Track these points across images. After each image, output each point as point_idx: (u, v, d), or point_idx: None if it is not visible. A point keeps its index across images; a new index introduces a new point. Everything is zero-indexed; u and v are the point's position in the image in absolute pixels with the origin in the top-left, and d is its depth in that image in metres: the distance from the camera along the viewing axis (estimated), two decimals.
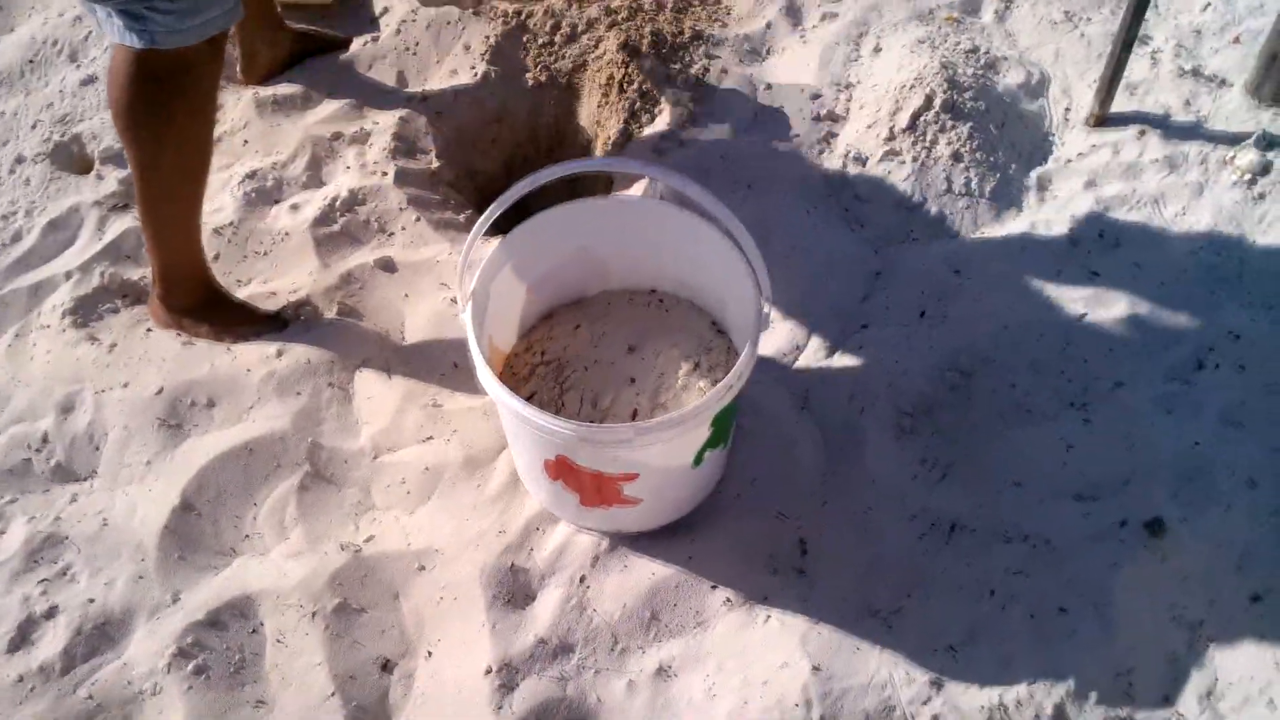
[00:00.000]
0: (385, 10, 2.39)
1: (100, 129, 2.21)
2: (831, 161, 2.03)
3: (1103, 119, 2.01)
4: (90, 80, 2.32)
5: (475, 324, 1.40)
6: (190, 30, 1.46)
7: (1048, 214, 1.90)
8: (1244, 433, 1.58)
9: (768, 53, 2.27)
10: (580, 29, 2.29)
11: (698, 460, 1.42)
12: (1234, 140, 1.95)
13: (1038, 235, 1.87)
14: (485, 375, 1.34)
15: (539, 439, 1.35)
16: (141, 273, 1.96)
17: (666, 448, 1.34)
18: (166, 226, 1.70)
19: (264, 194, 2.06)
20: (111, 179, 2.12)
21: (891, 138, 2.00)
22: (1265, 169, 1.88)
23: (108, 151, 2.16)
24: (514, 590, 1.50)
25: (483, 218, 1.34)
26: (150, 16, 1.43)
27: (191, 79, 1.53)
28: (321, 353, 1.79)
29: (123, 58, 1.50)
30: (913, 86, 2.02)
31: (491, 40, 2.28)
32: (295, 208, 2.03)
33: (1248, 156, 1.89)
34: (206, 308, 1.82)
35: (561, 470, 1.40)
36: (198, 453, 1.68)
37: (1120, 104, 2.02)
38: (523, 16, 2.30)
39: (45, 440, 1.72)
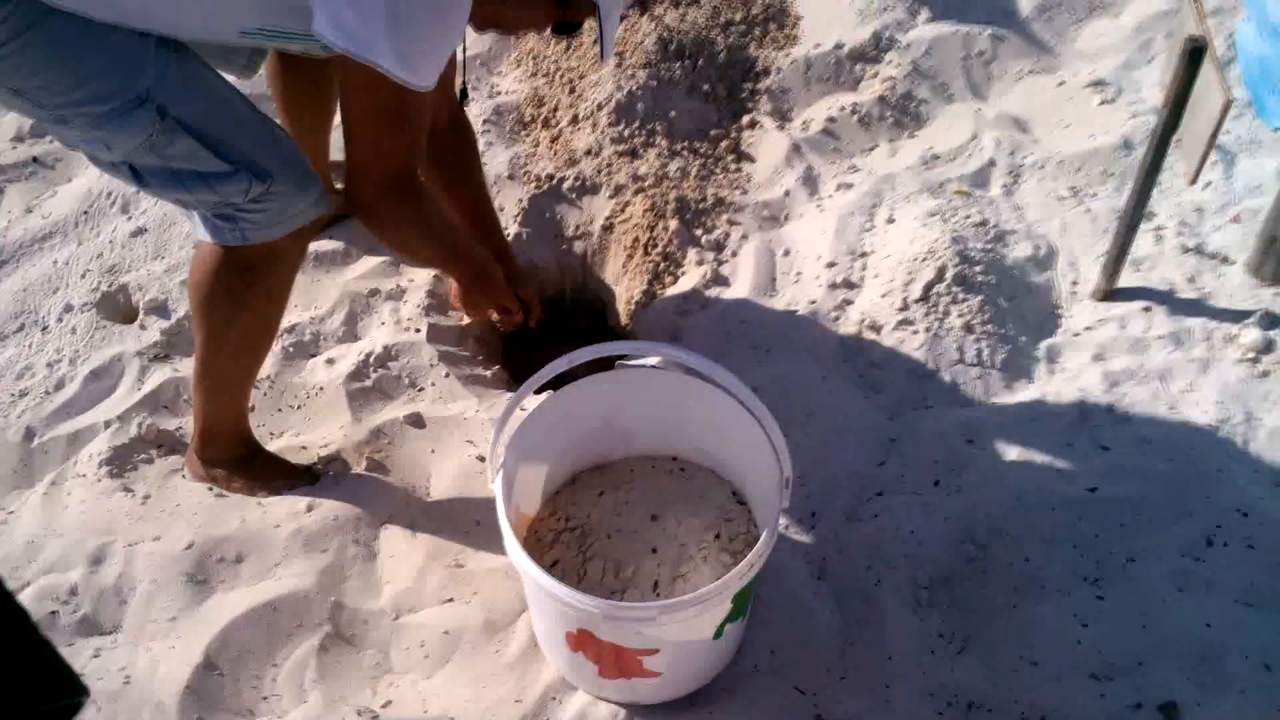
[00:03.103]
0: None
1: (146, 280, 2.31)
2: (847, 328, 2.10)
3: (1109, 293, 2.09)
4: (140, 231, 2.44)
5: (504, 496, 1.45)
6: (280, 225, 1.55)
7: (1057, 386, 1.96)
8: (1256, 614, 1.59)
9: (785, 219, 2.37)
10: (609, 193, 2.40)
11: (718, 634, 1.44)
12: (1237, 318, 2.01)
13: (1048, 407, 1.92)
14: (514, 550, 1.38)
15: (562, 612, 1.38)
16: (178, 423, 2.03)
17: (688, 624, 1.36)
18: (220, 391, 1.77)
19: (302, 348, 2.14)
20: (154, 329, 2.21)
21: (905, 307, 2.08)
22: (1269, 347, 1.94)
23: (152, 303, 2.26)
24: None
25: (515, 396, 1.40)
26: (239, 217, 1.52)
27: (276, 269, 1.62)
28: (349, 509, 1.83)
29: (210, 248, 1.58)
30: (925, 259, 2.11)
31: (524, 202, 2.40)
32: (331, 362, 2.11)
33: (1251, 335, 1.95)
34: (243, 462, 1.88)
35: (582, 641, 1.43)
36: (223, 610, 1.71)
37: (1125, 279, 2.10)
38: (555, 181, 2.43)
39: (73, 593, 1.76)
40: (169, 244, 2.41)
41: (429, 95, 1.44)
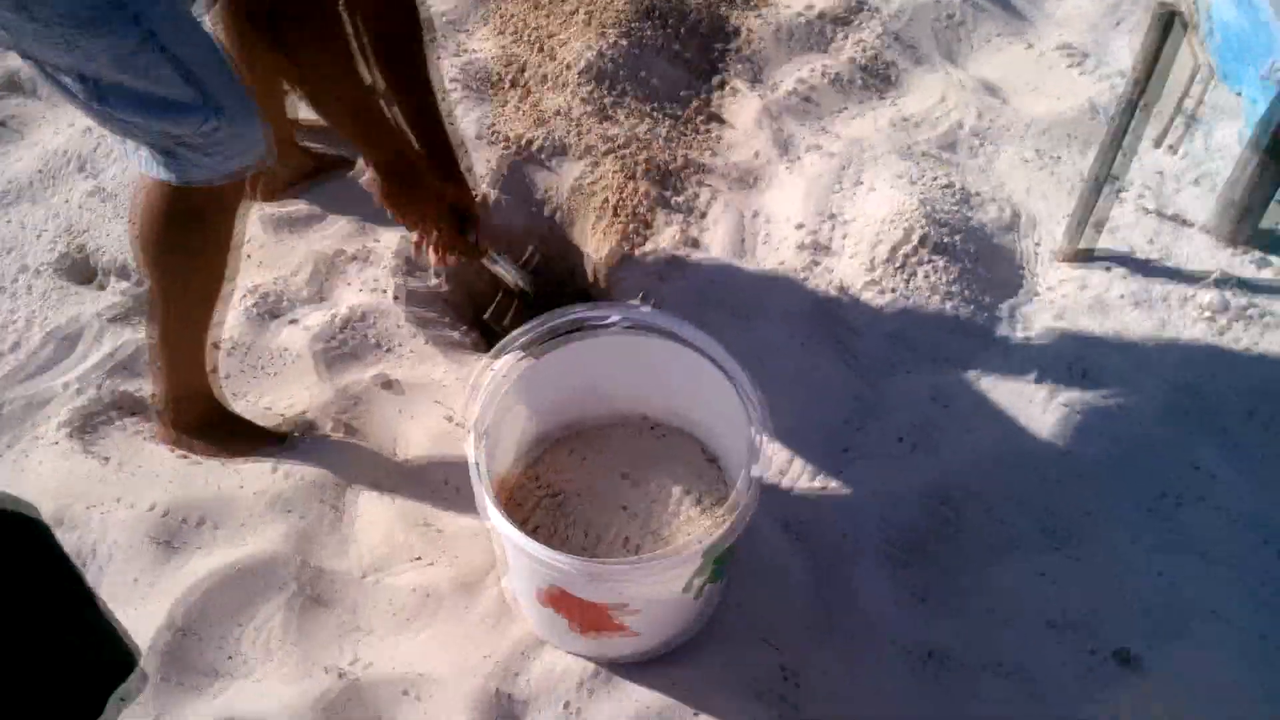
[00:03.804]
0: None
1: (106, 241, 2.27)
2: (819, 290, 2.11)
3: (1074, 255, 2.11)
4: (98, 191, 2.39)
5: (480, 458, 1.44)
6: (223, 167, 1.51)
7: (1024, 347, 1.98)
8: (1209, 566, 1.64)
9: (757, 182, 2.37)
10: (580, 155, 2.38)
11: (695, 592, 1.45)
12: (1197, 279, 2.05)
13: (1015, 368, 1.95)
14: (490, 511, 1.38)
15: (536, 570, 1.38)
16: (140, 385, 2.00)
17: (660, 580, 1.37)
18: (179, 350, 1.74)
19: (269, 310, 2.11)
20: (114, 290, 2.16)
21: (876, 270, 2.09)
22: (1226, 307, 1.98)
23: (112, 263, 2.22)
24: (501, 717, 1.51)
25: (489, 359, 1.39)
26: (182, 154, 1.48)
27: (219, 213, 1.59)
28: (320, 472, 1.82)
29: (153, 192, 1.54)
30: (895, 222, 2.12)
31: (494, 164, 2.37)
32: (298, 324, 2.08)
33: (1210, 295, 1.99)
34: (212, 426, 1.85)
35: (557, 599, 1.43)
36: (191, 573, 1.69)
37: (1091, 241, 2.12)
38: (525, 142, 2.40)
39: None
40: (129, 203, 2.36)
41: None
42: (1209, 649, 1.53)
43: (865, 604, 1.63)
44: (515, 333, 1.40)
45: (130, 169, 2.40)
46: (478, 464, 1.42)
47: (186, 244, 1.60)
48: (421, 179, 1.70)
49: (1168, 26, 1.72)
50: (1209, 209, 2.14)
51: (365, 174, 1.76)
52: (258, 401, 1.97)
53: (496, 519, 1.37)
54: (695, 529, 1.55)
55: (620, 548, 1.55)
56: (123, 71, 1.38)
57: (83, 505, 1.78)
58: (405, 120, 1.82)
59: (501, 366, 1.51)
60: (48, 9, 1.31)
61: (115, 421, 1.93)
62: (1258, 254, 2.08)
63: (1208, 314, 1.97)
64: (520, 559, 1.40)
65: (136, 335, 2.07)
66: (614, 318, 1.56)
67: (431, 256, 1.85)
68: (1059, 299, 2.06)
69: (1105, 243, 2.15)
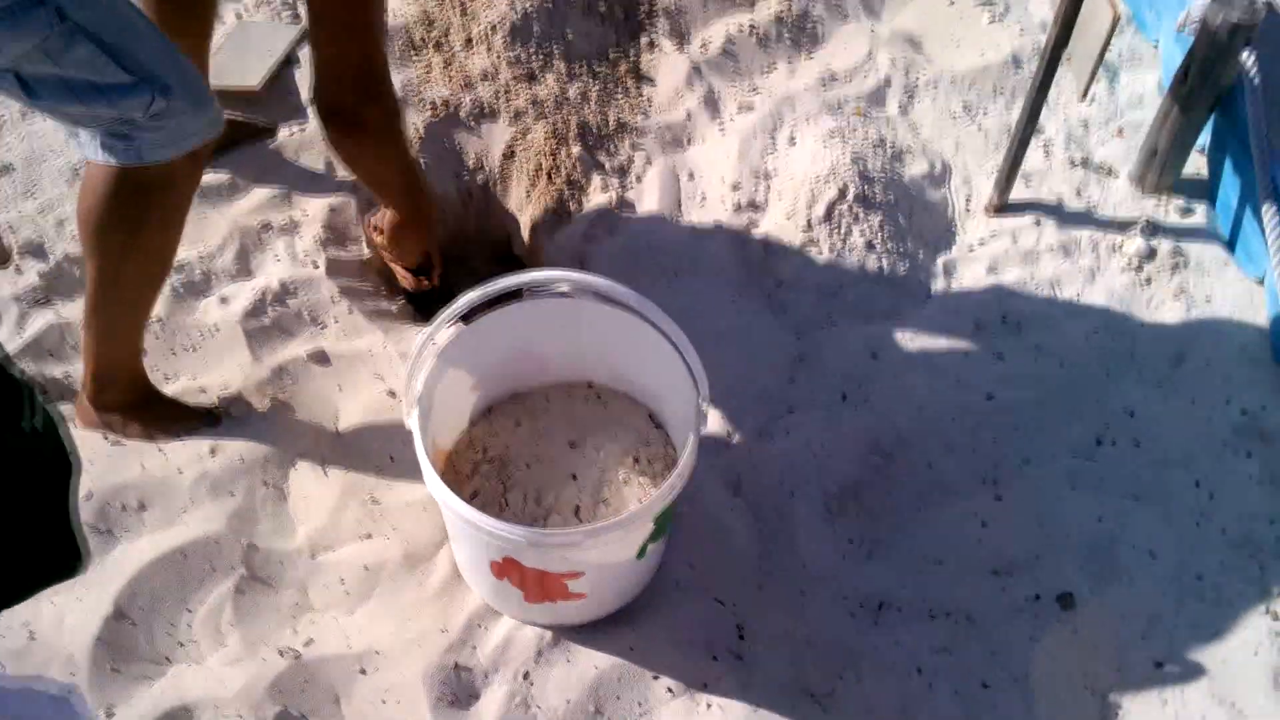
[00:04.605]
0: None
1: (18, 220, 2.18)
2: (753, 249, 2.12)
3: (1001, 207, 2.15)
4: (7, 169, 2.28)
5: (421, 430, 1.43)
6: (176, 144, 1.47)
7: (955, 299, 2.02)
8: (1143, 506, 1.70)
9: (689, 141, 2.36)
10: (508, 119, 2.35)
11: (640, 553, 1.47)
12: (1122, 227, 2.11)
13: (946, 319, 1.99)
14: (434, 483, 1.37)
15: (486, 542, 1.38)
16: (64, 370, 1.93)
17: (612, 547, 1.38)
18: (114, 330, 1.69)
19: (192, 287, 2.06)
20: (32, 272, 2.08)
21: (809, 228, 2.10)
22: (1151, 255, 2.04)
23: (28, 244, 2.13)
24: (457, 690, 1.51)
25: (427, 330, 1.38)
26: (135, 135, 1.43)
27: (172, 193, 1.54)
28: (255, 449, 1.79)
29: (101, 172, 1.49)
30: (827, 179, 2.13)
31: (421, 130, 2.33)
32: (225, 300, 2.03)
33: (1134, 243, 2.05)
34: (138, 406, 1.80)
35: (506, 569, 1.44)
36: (129, 558, 1.65)
37: (1017, 192, 2.17)
38: (451, 107, 2.36)
39: None
40: (39, 181, 2.26)
41: None
42: (1145, 589, 1.59)
43: (808, 556, 1.66)
44: (455, 302, 1.38)
45: (40, 146, 2.31)
46: (418, 435, 1.41)
47: (133, 223, 1.54)
48: (434, 228, 1.89)
49: None
50: (1132, 159, 2.19)
51: (370, 218, 2.01)
52: (191, 383, 1.92)
53: (439, 491, 1.36)
54: (641, 493, 1.56)
55: (568, 514, 1.55)
56: (47, 62, 1.33)
57: None
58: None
59: (441, 336, 1.50)
60: None
61: None
62: (1180, 202, 2.14)
63: (1134, 262, 2.03)
64: (466, 530, 1.39)
65: (59, 319, 2.00)
66: (553, 283, 1.55)
67: (408, 280, 2.07)
68: (988, 251, 2.10)
69: (1033, 194, 2.19)
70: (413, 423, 1.44)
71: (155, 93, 1.40)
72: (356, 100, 1.50)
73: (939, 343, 1.95)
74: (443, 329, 1.41)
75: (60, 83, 1.36)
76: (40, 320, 2.00)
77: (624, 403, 1.71)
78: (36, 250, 2.12)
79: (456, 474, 1.63)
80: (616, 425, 1.66)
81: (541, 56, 2.44)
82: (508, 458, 1.62)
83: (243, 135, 2.32)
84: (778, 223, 2.15)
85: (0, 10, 1.25)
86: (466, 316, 1.56)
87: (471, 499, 1.59)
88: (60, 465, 0.85)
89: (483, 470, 1.61)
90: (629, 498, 1.55)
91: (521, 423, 1.68)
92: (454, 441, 1.68)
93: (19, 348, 1.94)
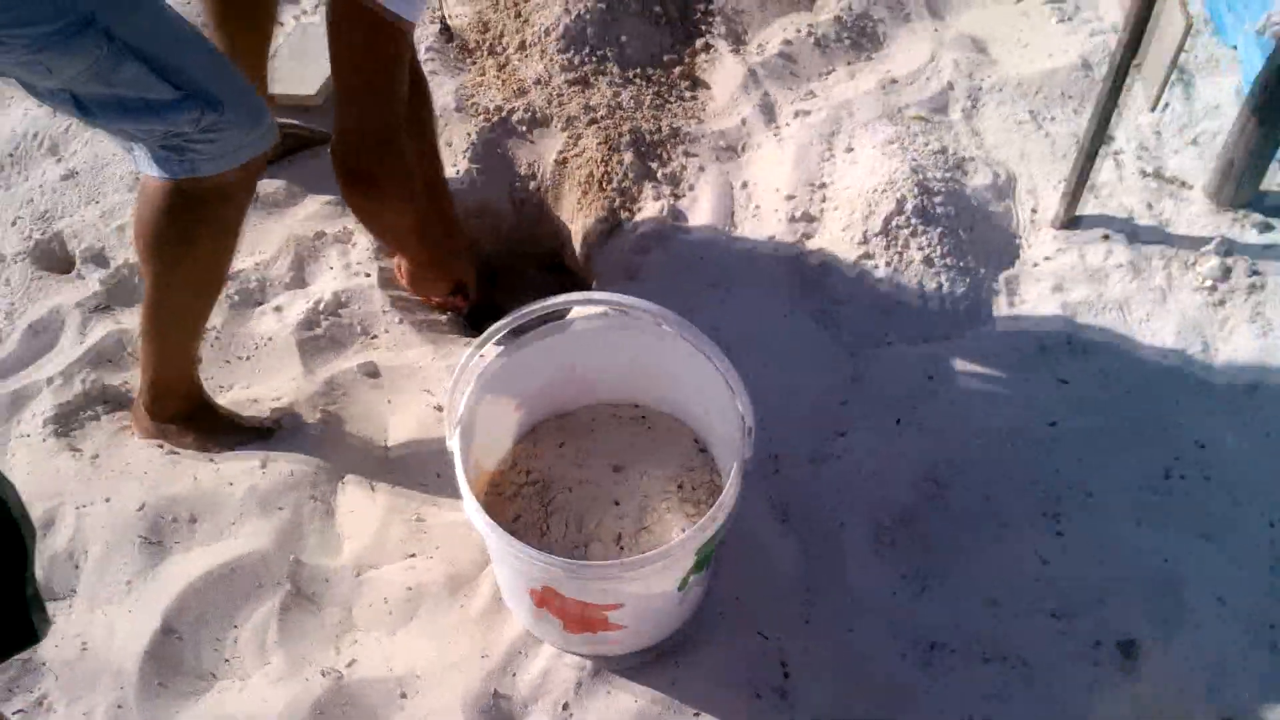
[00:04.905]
0: None
1: (81, 227, 2.22)
2: (807, 263, 2.07)
3: (1068, 222, 2.07)
4: (71, 175, 2.33)
5: (463, 453, 1.42)
6: (230, 157, 1.48)
7: (1017, 319, 1.95)
8: (1212, 546, 1.62)
9: (743, 149, 2.32)
10: (561, 126, 2.32)
11: (681, 586, 1.44)
12: (1196, 244, 2.01)
13: (1008, 340, 1.92)
14: (474, 511, 1.36)
15: (524, 570, 1.37)
16: (123, 378, 1.96)
17: (651, 579, 1.36)
18: (169, 341, 1.71)
19: (248, 296, 2.08)
20: (93, 279, 2.12)
21: (865, 241, 2.05)
22: (1226, 274, 1.94)
23: (89, 251, 2.17)
24: (496, 718, 1.50)
25: (470, 350, 1.36)
26: (188, 149, 1.44)
27: (226, 205, 1.55)
28: (305, 464, 1.80)
29: (156, 185, 1.51)
30: (884, 190, 2.07)
31: (473, 137, 2.32)
32: (279, 310, 2.05)
33: (1209, 263, 1.95)
34: (193, 417, 1.82)
35: (546, 598, 1.42)
36: (179, 573, 1.68)
37: (1085, 206, 2.08)
38: (504, 114, 2.34)
39: None
40: (103, 187, 2.31)
41: (412, 40, 1.39)
42: (1212, 637, 1.51)
43: (857, 590, 1.61)
44: (500, 322, 1.37)
45: (103, 152, 2.35)
46: (458, 460, 1.40)
47: (189, 235, 1.56)
48: (454, 266, 1.91)
49: None
50: (1208, 171, 2.09)
51: (397, 259, 2.03)
52: (244, 393, 1.94)
53: (478, 519, 1.35)
54: (684, 522, 1.53)
55: (609, 542, 1.53)
56: (99, 82, 1.34)
57: (71, 506, 1.76)
58: None
59: (485, 356, 1.49)
60: (12, 37, 1.27)
61: (99, 417, 1.91)
62: (1258, 218, 2.03)
63: (1208, 283, 1.94)
64: (506, 558, 1.38)
65: (119, 326, 2.04)
66: (595, 305, 1.52)
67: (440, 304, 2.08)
68: (1054, 268, 2.02)
69: (1101, 208, 2.10)
70: (454, 445, 1.43)
71: (205, 107, 1.41)
72: (373, 161, 1.51)
73: (999, 365, 1.89)
74: (484, 350, 1.39)
75: (113, 101, 1.37)
76: (101, 328, 2.04)
77: (670, 425, 1.68)
78: (98, 257, 2.16)
79: (499, 496, 1.62)
80: (662, 450, 1.63)
81: (595, 61, 2.41)
82: (550, 480, 1.61)
83: (299, 144, 2.33)
84: (833, 236, 2.09)
85: (50, 34, 1.26)
86: (510, 335, 1.55)
87: (514, 522, 1.57)
88: (10, 541, 0.82)
89: (525, 493, 1.60)
90: (671, 526, 1.52)
91: (565, 444, 1.66)
92: (498, 461, 1.67)
93: (80, 355, 1.98)
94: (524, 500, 1.59)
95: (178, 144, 1.44)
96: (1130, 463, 1.73)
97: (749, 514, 1.70)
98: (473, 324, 2.09)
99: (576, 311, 1.80)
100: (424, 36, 2.47)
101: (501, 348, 1.58)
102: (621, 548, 1.52)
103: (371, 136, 1.48)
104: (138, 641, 1.60)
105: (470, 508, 1.37)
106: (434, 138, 1.97)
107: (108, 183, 2.31)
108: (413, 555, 1.70)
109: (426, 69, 2.39)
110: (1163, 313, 1.92)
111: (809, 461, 1.78)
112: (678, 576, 1.40)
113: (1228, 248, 1.98)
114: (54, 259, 2.21)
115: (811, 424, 1.84)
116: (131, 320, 2.04)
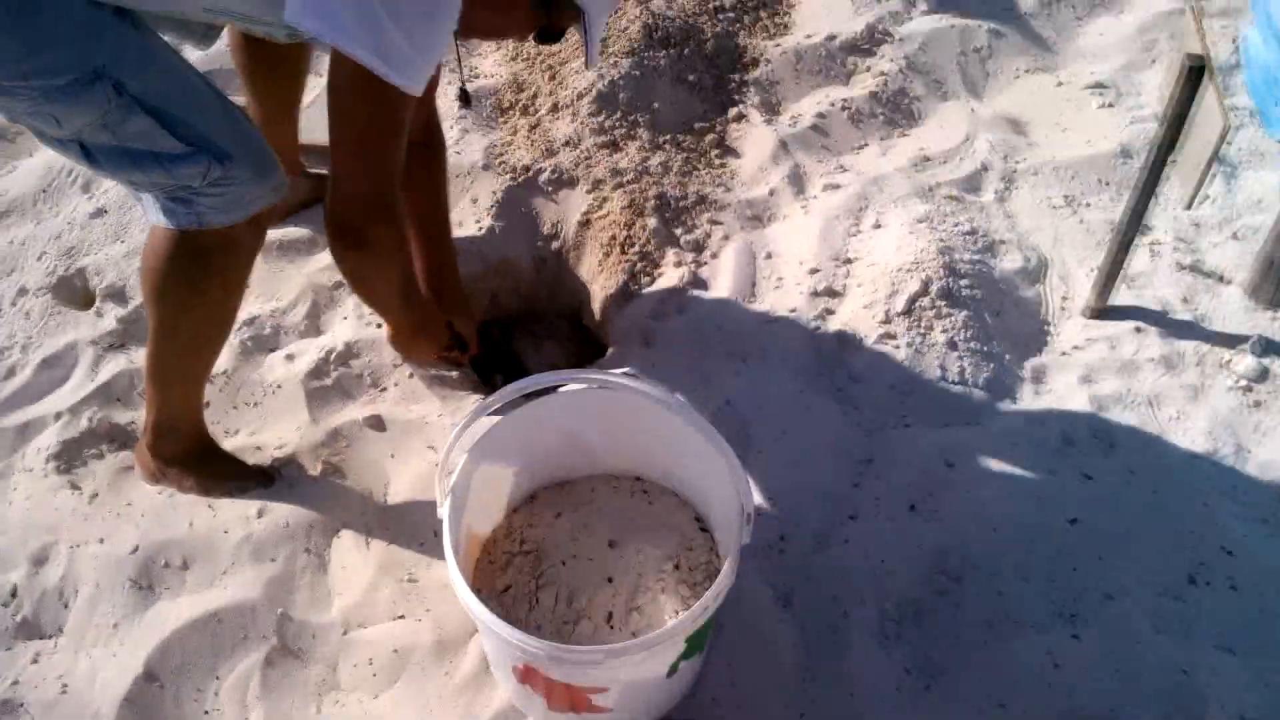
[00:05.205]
0: None
1: (105, 264, 2.23)
2: (827, 339, 2.03)
3: (1100, 311, 2.01)
4: (100, 212, 2.36)
5: (454, 521, 1.38)
6: (238, 209, 1.48)
7: (1042, 408, 1.89)
8: (1235, 661, 1.53)
9: (770, 219, 2.29)
10: (587, 187, 2.32)
11: (671, 671, 1.38)
12: (1232, 341, 1.94)
13: (1031, 430, 1.86)
14: (459, 587, 1.31)
15: (508, 648, 1.32)
16: (131, 416, 1.96)
17: (638, 665, 1.30)
18: (172, 383, 1.70)
19: (261, 341, 2.07)
20: (111, 317, 2.13)
21: (888, 320, 2.00)
22: (1262, 375, 1.87)
23: (110, 288, 2.18)
24: None
25: (466, 420, 1.33)
26: (195, 200, 1.44)
27: (233, 256, 1.55)
28: (301, 515, 1.77)
29: (163, 234, 1.51)
30: (910, 270, 2.03)
31: (498, 195, 2.31)
32: (291, 358, 2.04)
33: (1245, 362, 1.88)
34: (195, 459, 1.81)
35: (528, 676, 1.37)
36: (166, 618, 1.65)
37: (1118, 296, 2.02)
38: (531, 173, 2.34)
39: (14, 594, 1.70)
40: (130, 226, 2.33)
41: (413, 106, 1.38)
42: None
43: (859, 684, 1.54)
44: (495, 395, 1.34)
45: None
46: (447, 531, 1.36)
47: (198, 286, 1.56)
48: (438, 335, 1.87)
49: (1196, 79, 1.62)
50: (1247, 266, 2.03)
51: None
52: (249, 439, 1.92)
53: (462, 593, 1.30)
54: (678, 604, 1.47)
55: (599, 620, 1.47)
56: (106, 134, 1.35)
57: (66, 544, 1.74)
58: (416, 242, 1.94)
59: (479, 424, 1.45)
60: (21, 88, 1.28)
61: (103, 455, 1.90)
62: None
63: (1243, 382, 1.87)
64: (489, 632, 1.33)
65: (132, 365, 2.04)
66: (593, 382, 1.48)
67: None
68: (1083, 358, 1.96)
69: (1135, 298, 2.04)
70: (443, 513, 1.39)
71: (213, 161, 1.41)
72: (365, 221, 1.49)
73: (1021, 456, 1.82)
74: (479, 419, 1.36)
75: (120, 151, 1.37)
76: (114, 365, 2.04)
77: (670, 502, 1.63)
78: (117, 295, 2.17)
79: (491, 564, 1.57)
80: (660, 526, 1.58)
81: (626, 125, 2.41)
82: (544, 551, 1.56)
83: (325, 192, 2.33)
84: (855, 312, 2.05)
85: (61, 87, 1.27)
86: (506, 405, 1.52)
87: (503, 593, 1.53)
88: None
89: (517, 563, 1.55)
90: (664, 608, 1.47)
91: (563, 514, 1.61)
92: (492, 527, 1.63)
93: (90, 392, 1.97)
94: (515, 570, 1.55)
95: (185, 195, 1.44)
96: (1153, 566, 1.65)
97: (749, 596, 1.64)
98: (480, 374, 2.06)
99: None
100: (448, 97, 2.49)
101: (497, 417, 1.54)
102: (612, 626, 1.47)
103: (368, 193, 1.47)
104: (118, 686, 1.57)
105: (456, 583, 1.32)
106: (443, 195, 1.98)
107: (135, 222, 2.33)
108: (402, 616, 1.65)
109: (458, 127, 2.41)
110: (1195, 410, 1.85)
111: (816, 545, 1.72)
112: (667, 662, 1.35)
113: (1265, 347, 1.91)
114: (75, 294, 2.22)
115: (821, 505, 1.78)
116: (144, 360, 2.03)
